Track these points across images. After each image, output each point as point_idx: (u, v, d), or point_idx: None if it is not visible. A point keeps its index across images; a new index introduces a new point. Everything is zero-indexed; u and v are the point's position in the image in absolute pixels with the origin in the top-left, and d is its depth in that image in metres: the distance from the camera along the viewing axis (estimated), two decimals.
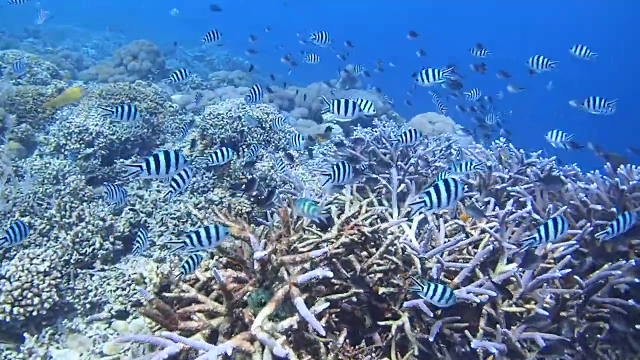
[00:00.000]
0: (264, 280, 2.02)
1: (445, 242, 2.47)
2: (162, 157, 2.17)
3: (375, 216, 2.89)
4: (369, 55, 8.57)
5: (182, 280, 2.15)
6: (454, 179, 2.00)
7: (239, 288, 2.22)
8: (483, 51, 5.14)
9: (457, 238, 2.36)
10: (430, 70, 3.43)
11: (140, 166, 2.16)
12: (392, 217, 3.26)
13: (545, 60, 4.31)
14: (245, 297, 2.00)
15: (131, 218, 4.04)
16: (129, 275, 3.28)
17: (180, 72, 4.23)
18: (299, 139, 4.14)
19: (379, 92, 8.33)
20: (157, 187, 4.95)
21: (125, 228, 3.94)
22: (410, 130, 3.52)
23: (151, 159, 2.17)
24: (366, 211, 3.07)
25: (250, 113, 5.18)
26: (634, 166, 3.11)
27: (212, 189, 4.72)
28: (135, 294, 3.17)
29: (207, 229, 2.10)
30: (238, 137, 5.02)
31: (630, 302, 2.45)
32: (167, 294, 2.06)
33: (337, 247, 2.49)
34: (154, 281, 2.22)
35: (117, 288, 3.26)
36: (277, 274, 2.07)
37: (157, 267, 2.30)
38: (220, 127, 5.03)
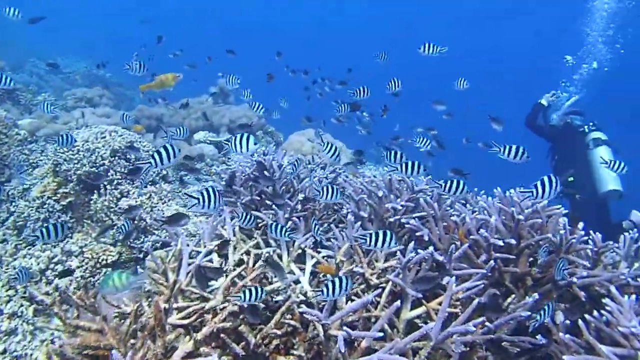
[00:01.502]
0: None
1: (348, 304, 2.19)
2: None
3: (265, 273, 2.55)
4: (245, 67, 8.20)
5: None
6: None
7: None
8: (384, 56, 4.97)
9: (364, 300, 2.09)
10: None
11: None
12: (281, 259, 2.94)
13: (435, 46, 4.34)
14: None
15: None
16: None
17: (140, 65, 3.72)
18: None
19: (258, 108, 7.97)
20: (3, 235, 4.20)
21: None
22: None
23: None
24: (254, 262, 2.72)
25: (111, 142, 4.57)
26: (521, 188, 3.07)
27: (70, 235, 4.08)
28: None
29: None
30: (98, 172, 4.40)
31: (540, 338, 2.35)
32: None
33: (224, 319, 2.11)
34: None
35: None
36: None
37: None
38: (76, 161, 4.38)
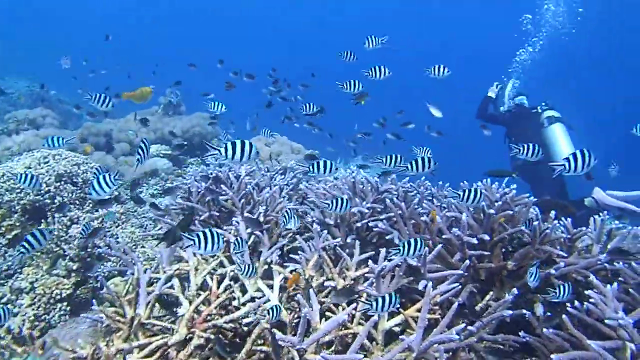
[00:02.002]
0: None
1: (323, 324, 2.04)
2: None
3: (232, 297, 2.38)
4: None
5: None
6: None
7: None
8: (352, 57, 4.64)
9: (338, 318, 1.95)
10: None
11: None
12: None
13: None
14: None
15: None
16: None
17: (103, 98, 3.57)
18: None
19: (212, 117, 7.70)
20: None
21: None
22: None
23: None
24: (218, 284, 2.55)
25: (56, 167, 4.28)
26: (488, 180, 2.99)
27: (19, 270, 3.80)
28: None
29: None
30: (44, 200, 4.12)
31: (522, 335, 2.27)
32: None
33: (190, 354, 1.94)
34: None
35: None
36: None
37: None
38: (19, 190, 4.09)
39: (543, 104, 6.10)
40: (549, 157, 5.69)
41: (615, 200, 5.28)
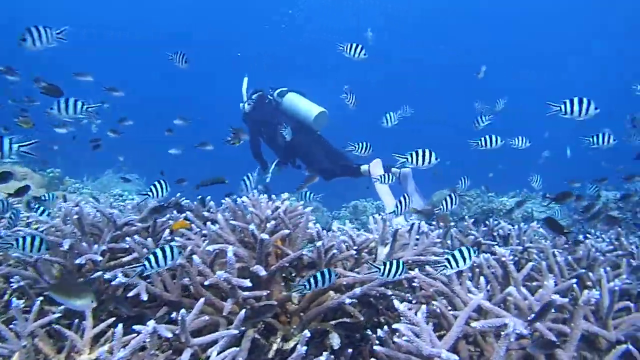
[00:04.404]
0: None
1: None
2: None
3: None
4: None
5: None
6: None
7: None
8: None
9: None
10: None
11: None
12: None
13: None
14: None
15: None
16: None
17: None
18: None
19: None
20: None
21: None
22: None
23: None
24: None
25: None
26: (255, 192, 2.43)
27: None
28: None
29: None
30: None
31: None
32: None
33: None
34: None
35: None
36: None
37: None
38: None
39: (270, 89, 6.36)
40: (300, 122, 6.00)
41: (377, 177, 5.39)
